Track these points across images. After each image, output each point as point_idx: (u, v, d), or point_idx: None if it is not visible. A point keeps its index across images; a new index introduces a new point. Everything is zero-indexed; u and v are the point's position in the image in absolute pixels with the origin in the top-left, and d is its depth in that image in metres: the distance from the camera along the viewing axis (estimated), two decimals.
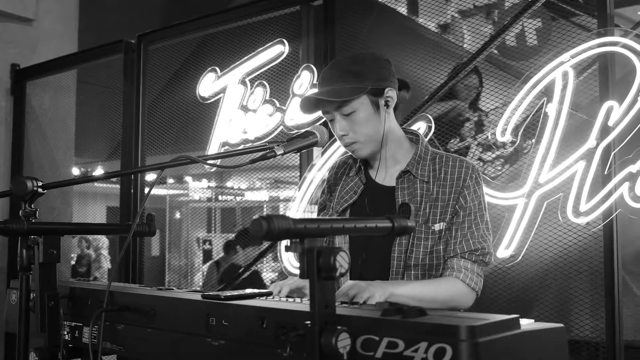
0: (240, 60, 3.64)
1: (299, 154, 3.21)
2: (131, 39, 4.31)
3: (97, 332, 1.48)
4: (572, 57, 2.66)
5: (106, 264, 7.06)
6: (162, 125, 4.28)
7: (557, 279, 2.86)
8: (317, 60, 3.45)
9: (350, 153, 1.84)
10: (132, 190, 4.20)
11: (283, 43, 3.50)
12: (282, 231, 0.99)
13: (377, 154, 1.81)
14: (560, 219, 2.62)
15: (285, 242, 1.06)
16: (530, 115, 2.78)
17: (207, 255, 7.72)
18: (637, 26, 2.99)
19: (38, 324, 1.49)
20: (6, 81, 4.99)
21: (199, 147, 4.05)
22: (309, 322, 1.00)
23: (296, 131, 3.32)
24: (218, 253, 7.39)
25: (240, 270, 4.33)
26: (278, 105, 3.47)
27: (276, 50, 3.52)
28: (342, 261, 0.99)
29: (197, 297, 1.37)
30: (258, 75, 3.61)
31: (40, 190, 1.51)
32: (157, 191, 6.60)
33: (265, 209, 7.86)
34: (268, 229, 0.97)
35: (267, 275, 4.72)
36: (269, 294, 1.41)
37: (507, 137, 2.81)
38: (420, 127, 3.05)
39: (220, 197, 8.28)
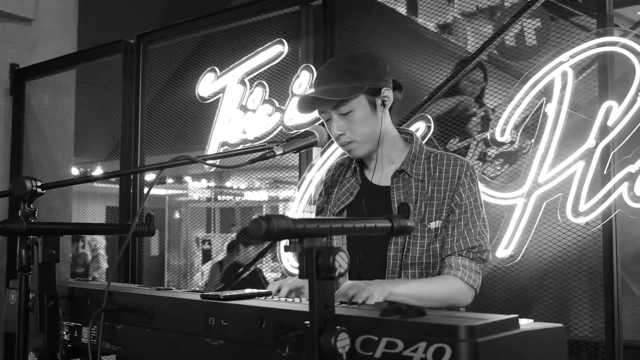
0: (240, 60, 3.64)
1: (298, 154, 3.21)
2: (130, 39, 4.30)
3: (96, 332, 1.48)
4: (572, 57, 2.66)
5: (104, 264, 7.05)
6: (162, 125, 4.28)
7: (557, 279, 2.86)
8: (316, 60, 3.45)
9: (346, 154, 1.84)
10: (131, 190, 4.19)
11: (282, 43, 3.50)
12: (282, 231, 0.99)
13: (373, 154, 1.81)
14: (560, 219, 2.62)
15: (284, 242, 1.06)
16: (530, 115, 2.78)
17: (207, 255, 7.72)
18: (637, 26, 3.00)
19: (37, 324, 1.48)
20: (5, 81, 4.99)
21: (198, 147, 4.05)
22: (308, 322, 1.00)
23: (295, 131, 3.31)
24: (217, 253, 7.39)
25: (240, 270, 4.33)
26: (277, 105, 3.47)
27: (275, 50, 3.52)
28: (342, 261, 0.99)
29: (197, 297, 1.37)
30: (257, 75, 3.61)
31: (39, 190, 1.51)
32: (156, 191, 6.59)
33: (264, 209, 7.86)
34: (267, 229, 0.97)
35: (268, 275, 4.72)
36: (268, 294, 1.41)
37: (507, 137, 2.81)
38: (419, 127, 3.05)
39: (219, 197, 8.28)
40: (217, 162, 3.09)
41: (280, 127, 3.44)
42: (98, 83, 5.09)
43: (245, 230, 5.36)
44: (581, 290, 2.79)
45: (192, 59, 4.53)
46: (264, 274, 4.69)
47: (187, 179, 7.42)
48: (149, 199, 5.25)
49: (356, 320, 1.06)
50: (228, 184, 7.98)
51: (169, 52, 4.38)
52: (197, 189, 7.81)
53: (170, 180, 7.20)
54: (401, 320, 1.02)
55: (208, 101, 3.76)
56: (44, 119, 5.07)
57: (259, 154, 1.61)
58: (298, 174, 3.47)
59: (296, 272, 3.12)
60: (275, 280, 1.82)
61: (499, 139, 2.83)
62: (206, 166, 3.62)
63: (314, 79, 1.77)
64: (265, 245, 4.02)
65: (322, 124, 1.83)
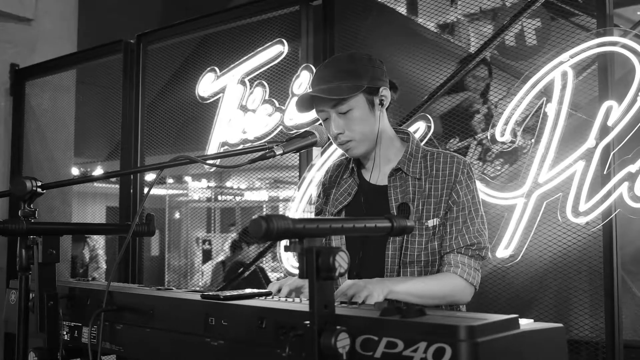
0: (240, 60, 3.64)
1: (298, 153, 3.22)
2: (130, 39, 4.30)
3: (97, 332, 1.48)
4: (572, 57, 2.66)
5: (103, 264, 7.04)
6: (162, 125, 4.28)
7: (557, 279, 2.86)
8: (316, 60, 3.45)
9: (345, 154, 1.84)
10: (131, 190, 4.20)
11: (282, 43, 3.50)
12: (281, 231, 0.99)
13: (371, 153, 1.82)
14: (560, 219, 2.62)
15: (284, 242, 1.06)
16: (530, 115, 2.78)
17: (207, 255, 7.72)
18: (637, 26, 2.99)
19: (37, 324, 1.48)
20: (5, 81, 4.99)
21: (198, 147, 4.05)
22: (308, 322, 1.00)
23: (295, 131, 3.31)
24: (217, 253, 7.39)
25: (240, 270, 4.33)
26: (277, 105, 3.47)
27: (275, 50, 3.52)
28: (342, 261, 0.99)
29: (197, 297, 1.37)
30: (257, 75, 3.61)
31: (39, 190, 1.51)
32: (156, 191, 6.59)
33: (264, 209, 7.86)
34: (267, 229, 0.97)
35: (270, 275, 4.72)
36: (268, 294, 1.41)
37: (507, 137, 2.81)
38: (419, 127, 3.05)
39: (219, 197, 8.28)
40: (217, 162, 3.09)
41: (280, 127, 3.44)
42: (98, 83, 5.09)
43: (247, 229, 5.37)
44: (581, 290, 2.79)
45: (192, 59, 4.53)
46: (266, 273, 4.70)
47: (187, 179, 7.42)
48: (149, 199, 5.25)
49: (356, 320, 1.06)
50: (228, 184, 7.98)
51: (169, 52, 4.38)
52: (197, 189, 7.82)
53: (170, 180, 7.20)
54: (401, 320, 1.02)
55: (208, 101, 3.76)
56: (44, 119, 5.07)
57: (259, 154, 1.61)
58: (298, 174, 3.47)
59: (297, 272, 3.12)
60: (277, 279, 1.82)
61: (499, 138, 2.83)
62: (206, 166, 3.63)
63: (312, 78, 1.78)
64: (267, 244, 4.02)
65: (320, 123, 1.84)
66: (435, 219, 1.73)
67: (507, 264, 2.76)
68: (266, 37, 3.63)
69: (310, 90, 1.76)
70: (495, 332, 0.98)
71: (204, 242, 8.03)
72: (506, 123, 2.80)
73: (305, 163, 3.39)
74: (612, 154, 2.53)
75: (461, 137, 3.35)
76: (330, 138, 1.77)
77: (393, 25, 4.23)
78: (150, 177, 4.56)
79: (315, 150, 3.30)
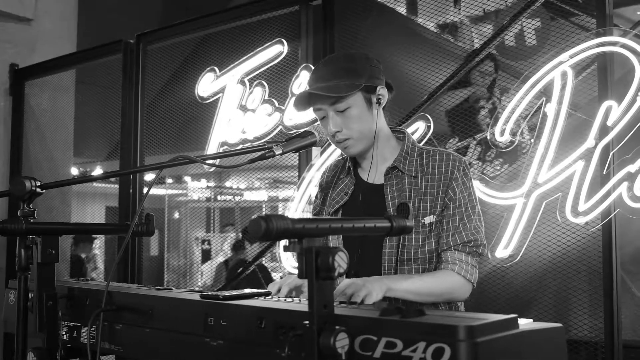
0: (239, 60, 3.64)
1: (297, 153, 3.21)
2: (130, 38, 4.30)
3: (96, 332, 1.48)
4: (571, 56, 2.66)
5: (101, 265, 7.05)
6: (161, 125, 4.28)
7: (556, 279, 2.86)
8: (316, 60, 3.45)
9: (343, 153, 1.85)
10: (130, 190, 4.19)
11: (282, 43, 3.50)
12: (281, 231, 0.99)
13: (367, 152, 1.82)
14: (559, 219, 2.62)
15: (284, 242, 1.06)
16: (529, 115, 2.78)
17: (206, 255, 7.72)
18: (636, 26, 2.99)
19: (36, 324, 1.48)
20: (5, 81, 4.99)
21: (197, 146, 4.05)
22: (307, 322, 1.00)
23: (295, 131, 3.31)
24: (217, 253, 7.39)
25: (240, 270, 4.33)
26: (277, 105, 3.47)
27: (275, 50, 3.52)
28: (341, 261, 0.99)
29: (196, 297, 1.37)
30: (257, 75, 3.61)
31: (38, 190, 1.51)
32: (155, 191, 6.59)
33: (264, 209, 7.86)
34: (266, 229, 0.97)
35: (272, 275, 4.71)
36: (268, 293, 1.41)
37: (506, 137, 2.81)
38: (419, 127, 3.05)
39: (219, 197, 8.28)
40: (217, 162, 3.09)
41: (280, 127, 3.44)
42: (98, 83, 5.09)
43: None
44: (580, 290, 2.79)
45: (192, 59, 4.53)
46: (269, 272, 4.70)
47: (187, 178, 7.42)
48: (149, 199, 5.25)
49: (355, 320, 1.06)
50: (228, 183, 7.98)
51: (169, 52, 4.38)
52: (197, 188, 7.82)
53: (169, 180, 7.21)
54: (400, 320, 1.02)
55: (208, 101, 3.76)
56: (43, 119, 5.07)
57: (259, 153, 1.61)
58: (297, 173, 3.47)
59: (297, 272, 3.12)
60: (282, 277, 1.82)
61: (498, 138, 2.83)
62: (206, 166, 3.62)
63: (310, 76, 1.78)
64: (266, 244, 4.02)
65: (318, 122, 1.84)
66: (431, 216, 1.74)
67: (507, 264, 2.76)
68: (266, 37, 3.63)
69: (308, 89, 1.77)
70: (494, 332, 0.98)
71: (203, 242, 8.03)
72: (506, 123, 2.80)
73: (304, 163, 3.39)
74: (611, 153, 2.53)
75: (461, 137, 3.35)
76: (328, 137, 1.77)
77: (393, 25, 4.23)
78: (149, 177, 4.56)
79: (315, 150, 3.30)
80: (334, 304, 1.04)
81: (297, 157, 3.48)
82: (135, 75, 4.24)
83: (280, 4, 3.64)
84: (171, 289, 1.56)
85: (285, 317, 1.15)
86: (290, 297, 1.53)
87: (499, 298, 2.94)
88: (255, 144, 3.39)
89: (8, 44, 5.00)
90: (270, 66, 3.57)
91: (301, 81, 3.34)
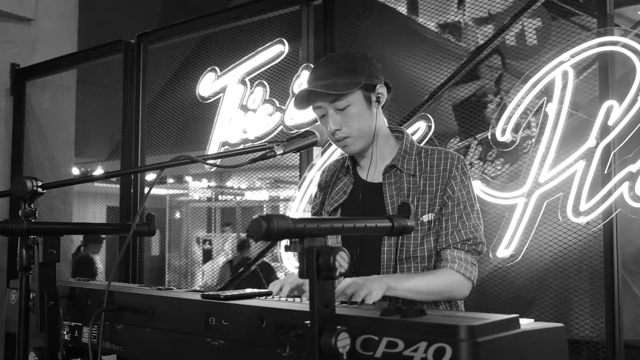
0: (240, 60, 3.64)
1: (298, 153, 3.21)
2: (131, 38, 4.30)
3: (97, 332, 1.48)
4: (572, 56, 2.66)
5: (100, 265, 7.05)
6: (162, 125, 4.28)
7: (557, 279, 2.86)
8: (316, 59, 3.44)
9: (342, 151, 1.85)
10: (132, 190, 4.20)
11: (283, 43, 3.50)
12: (282, 231, 0.98)
13: (367, 150, 1.83)
14: (560, 219, 2.62)
15: (285, 242, 1.06)
16: (530, 115, 2.78)
17: (207, 255, 7.72)
18: (637, 26, 2.99)
19: (38, 323, 1.48)
20: (6, 81, 4.99)
21: (198, 146, 4.05)
22: (308, 321, 1.00)
23: (296, 131, 3.31)
24: (218, 253, 7.39)
25: (240, 270, 4.33)
26: (278, 105, 3.47)
27: (276, 50, 3.52)
28: (342, 261, 0.99)
29: (197, 297, 1.37)
30: (258, 75, 3.61)
31: (39, 190, 1.51)
32: (157, 191, 6.59)
33: (265, 209, 7.86)
34: (267, 229, 0.97)
35: (277, 274, 4.71)
36: (269, 293, 1.41)
37: (507, 137, 2.81)
38: (420, 126, 3.05)
39: (220, 197, 8.28)
40: (218, 161, 3.09)
41: (281, 126, 3.44)
42: (98, 83, 5.10)
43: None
44: (582, 289, 2.79)
45: (193, 59, 4.53)
46: (274, 270, 4.70)
47: (188, 178, 7.42)
48: (150, 199, 5.25)
49: (357, 320, 1.06)
50: (229, 183, 7.98)
51: (170, 52, 4.38)
52: (198, 188, 7.82)
53: (170, 180, 7.21)
54: (402, 320, 1.02)
55: (208, 101, 3.76)
56: (44, 118, 5.08)
57: (260, 153, 1.61)
58: (298, 173, 3.47)
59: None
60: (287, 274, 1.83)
61: (499, 138, 2.83)
62: (207, 166, 3.62)
63: (310, 75, 1.78)
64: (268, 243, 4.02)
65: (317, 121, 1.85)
66: (430, 214, 1.74)
67: (508, 264, 2.76)
68: (266, 37, 3.63)
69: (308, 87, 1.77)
70: (495, 331, 0.97)
71: (204, 242, 8.03)
72: (507, 123, 2.79)
73: (305, 163, 3.39)
74: (612, 153, 2.53)
75: (465, 135, 3.35)
76: (328, 135, 1.78)
77: (393, 25, 4.23)
78: (150, 177, 4.57)
79: (316, 150, 3.30)
80: (335, 303, 1.04)
81: (298, 157, 3.48)
82: (136, 75, 4.25)
83: (281, 3, 3.64)
84: (172, 289, 1.56)
85: (287, 317, 1.15)
86: (292, 296, 1.53)
87: (500, 298, 2.94)
88: (256, 144, 3.39)
89: (9, 43, 5.00)
90: (271, 66, 3.57)
91: (302, 81, 3.34)
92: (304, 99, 1.78)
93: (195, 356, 1.30)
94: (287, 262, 3.29)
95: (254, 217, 0.99)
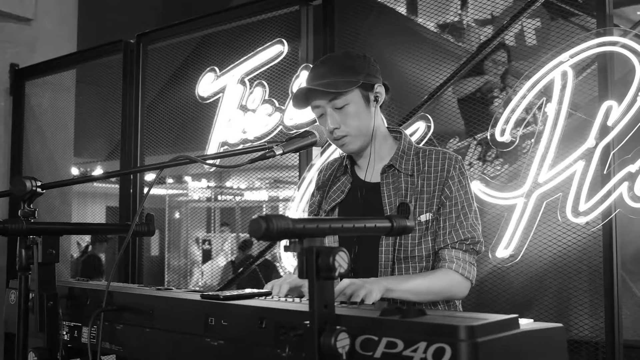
0: (240, 60, 3.64)
1: (298, 153, 3.21)
2: (130, 38, 4.30)
3: (96, 332, 1.48)
4: (571, 56, 2.66)
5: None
6: (161, 125, 4.28)
7: (557, 279, 2.86)
8: (316, 60, 3.44)
9: (340, 150, 1.85)
10: (131, 190, 4.19)
11: (282, 43, 3.50)
12: (281, 231, 0.98)
13: (365, 150, 1.83)
14: (560, 219, 2.62)
15: (284, 242, 1.06)
16: (530, 115, 2.78)
17: (207, 255, 7.72)
18: (636, 26, 2.99)
19: (37, 324, 1.48)
20: (5, 81, 4.99)
21: (198, 146, 4.05)
22: (308, 322, 1.00)
23: (295, 131, 3.31)
24: (217, 253, 7.39)
25: (240, 270, 4.33)
26: (277, 105, 3.47)
27: (275, 50, 3.52)
28: (342, 261, 0.99)
29: (196, 297, 1.37)
30: (257, 75, 3.61)
31: (39, 190, 1.51)
32: (156, 191, 6.60)
33: (264, 209, 7.86)
34: (267, 229, 0.97)
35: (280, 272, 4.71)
36: (268, 293, 1.41)
37: (507, 137, 2.81)
38: (419, 126, 3.05)
39: (219, 197, 8.29)
40: (217, 162, 3.09)
41: (280, 126, 3.44)
42: (98, 83, 5.09)
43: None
44: (581, 290, 2.79)
45: (192, 59, 4.53)
46: (277, 270, 4.70)
47: (187, 178, 7.43)
48: (149, 199, 5.25)
49: (356, 320, 1.06)
50: (228, 183, 7.99)
51: (169, 52, 4.38)
52: (197, 188, 7.82)
53: (170, 180, 7.21)
54: (401, 320, 1.02)
55: (208, 101, 3.76)
56: (44, 119, 5.07)
57: (259, 153, 1.61)
58: (298, 173, 3.47)
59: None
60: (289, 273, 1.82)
61: (499, 138, 2.83)
62: (206, 166, 3.62)
63: (308, 75, 1.79)
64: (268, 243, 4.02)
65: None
66: (427, 214, 1.74)
67: (507, 264, 2.76)
68: (266, 37, 3.63)
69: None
70: (495, 332, 0.97)
71: (203, 242, 8.04)
72: (506, 123, 2.79)
73: (305, 163, 3.39)
74: (612, 153, 2.53)
75: (466, 133, 3.35)
76: (326, 134, 1.78)
77: (393, 25, 4.23)
78: (150, 177, 4.57)
79: (315, 150, 3.30)
80: (335, 304, 1.04)
81: (298, 157, 3.48)
82: (136, 75, 4.24)
83: (280, 4, 3.64)
84: (172, 289, 1.56)
85: (286, 317, 1.15)
86: (291, 297, 1.53)
87: (499, 298, 2.94)
88: (255, 144, 3.39)
89: (8, 43, 5.00)
90: (271, 66, 3.57)
91: (301, 81, 3.34)
92: (302, 98, 1.78)
93: (195, 356, 1.30)
94: (287, 261, 3.29)
95: (253, 217, 0.99)
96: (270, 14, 3.70)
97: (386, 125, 1.90)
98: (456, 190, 1.75)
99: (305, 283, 1.67)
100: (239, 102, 3.61)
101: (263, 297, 1.36)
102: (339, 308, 1.16)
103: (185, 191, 7.76)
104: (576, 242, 2.70)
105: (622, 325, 2.53)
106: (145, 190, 4.24)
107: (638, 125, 2.50)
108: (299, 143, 1.67)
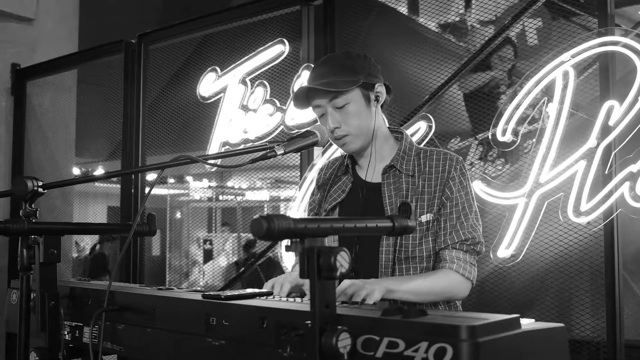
0: (241, 60, 3.64)
1: (299, 153, 3.21)
2: (131, 38, 4.30)
3: (98, 332, 1.48)
4: (573, 56, 2.66)
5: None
6: (163, 125, 4.28)
7: (558, 279, 2.86)
8: (317, 59, 3.44)
9: (341, 150, 1.85)
10: (132, 190, 4.20)
11: (283, 43, 3.50)
12: (282, 231, 0.98)
13: (366, 150, 1.84)
14: (561, 219, 2.62)
15: (285, 242, 1.06)
16: (531, 115, 2.78)
17: (208, 255, 7.72)
18: (638, 26, 2.99)
19: (38, 323, 1.49)
20: (6, 81, 4.99)
21: (199, 146, 4.05)
22: (309, 321, 1.00)
23: (296, 131, 3.31)
24: (219, 253, 7.39)
25: (241, 270, 4.33)
26: (278, 105, 3.47)
27: (276, 50, 3.52)
28: (343, 261, 0.99)
29: (198, 297, 1.37)
30: (258, 75, 3.61)
31: (40, 190, 1.51)
32: (157, 191, 6.60)
33: (265, 209, 7.86)
34: (268, 229, 0.97)
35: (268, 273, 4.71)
36: (269, 293, 1.41)
37: (508, 137, 2.81)
38: (420, 126, 3.05)
39: (220, 197, 8.28)
40: (219, 161, 3.09)
41: (282, 126, 3.44)
42: (99, 83, 5.09)
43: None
44: (583, 290, 2.79)
45: (193, 59, 4.53)
46: (282, 269, 4.70)
47: (189, 178, 7.43)
48: (151, 199, 5.25)
49: (357, 320, 1.06)
50: (229, 183, 7.98)
51: (170, 52, 4.38)
52: (199, 188, 7.82)
53: (171, 180, 7.21)
54: (402, 320, 1.02)
55: (209, 101, 3.76)
56: (45, 118, 5.07)
57: (260, 153, 1.62)
58: (299, 173, 3.47)
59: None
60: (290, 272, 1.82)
61: (500, 138, 2.82)
62: (207, 166, 3.62)
63: (309, 75, 1.79)
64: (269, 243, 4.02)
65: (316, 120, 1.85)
66: (428, 215, 1.75)
67: (509, 264, 2.76)
68: (267, 36, 3.63)
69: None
70: (496, 332, 0.97)
71: (205, 242, 8.03)
72: (507, 123, 2.79)
73: (306, 163, 3.39)
74: (613, 153, 2.53)
75: (463, 136, 3.35)
76: (327, 133, 1.78)
77: (394, 25, 4.22)
78: (151, 177, 4.57)
79: (316, 150, 3.30)
80: (336, 303, 1.04)
81: (299, 157, 3.48)
82: (137, 75, 4.25)
83: (281, 3, 3.64)
84: (173, 289, 1.56)
85: (287, 316, 1.15)
86: (292, 296, 1.53)
87: (501, 298, 2.94)
88: (256, 144, 3.39)
89: (9, 43, 5.00)
90: (272, 66, 3.57)
91: (302, 81, 3.34)
92: (303, 98, 1.78)
93: (196, 356, 1.30)
94: (288, 261, 3.29)
95: (254, 217, 0.99)
96: (271, 13, 3.70)
97: (387, 126, 1.90)
98: (457, 190, 1.75)
99: (305, 283, 1.68)
100: (240, 102, 3.61)
101: (264, 297, 1.36)
102: (340, 308, 1.16)
103: (186, 191, 7.76)
104: (577, 242, 2.70)
105: (623, 325, 2.53)
106: (147, 190, 4.24)
107: (639, 126, 2.50)
108: (300, 143, 1.67)
